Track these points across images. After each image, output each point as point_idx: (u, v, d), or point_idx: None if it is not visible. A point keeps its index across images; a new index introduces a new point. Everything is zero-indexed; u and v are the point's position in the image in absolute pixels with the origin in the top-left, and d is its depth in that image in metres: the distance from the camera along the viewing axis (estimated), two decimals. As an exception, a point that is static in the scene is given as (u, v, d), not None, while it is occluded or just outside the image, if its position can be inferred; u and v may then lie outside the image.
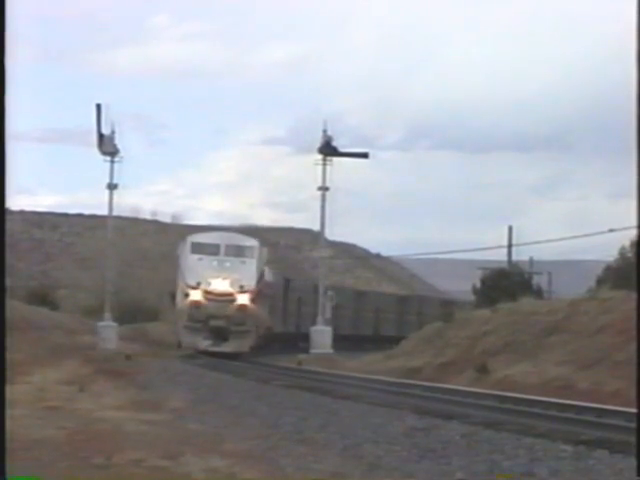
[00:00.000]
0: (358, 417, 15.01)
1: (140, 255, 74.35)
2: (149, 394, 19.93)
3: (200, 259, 41.32)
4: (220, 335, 40.38)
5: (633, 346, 16.53)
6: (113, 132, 40.27)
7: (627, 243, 39.18)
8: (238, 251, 42.07)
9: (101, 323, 39.09)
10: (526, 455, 10.86)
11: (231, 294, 40.35)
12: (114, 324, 39.13)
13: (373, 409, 16.02)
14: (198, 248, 42.08)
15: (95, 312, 48.24)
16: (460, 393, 19.44)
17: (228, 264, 41.14)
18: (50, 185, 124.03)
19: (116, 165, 40.34)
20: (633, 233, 34.45)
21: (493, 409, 15.40)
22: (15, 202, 68.11)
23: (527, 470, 10.06)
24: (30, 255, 77.26)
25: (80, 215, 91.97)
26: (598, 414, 14.74)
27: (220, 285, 40.35)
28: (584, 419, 13.73)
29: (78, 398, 18.32)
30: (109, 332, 38.19)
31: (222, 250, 41.72)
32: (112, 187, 40.63)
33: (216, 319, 40.08)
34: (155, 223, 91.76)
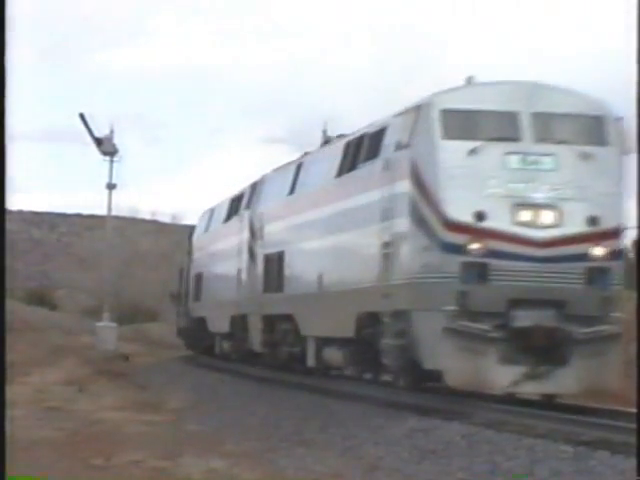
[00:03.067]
0: (358, 418, 14.99)
1: (139, 255, 74.28)
2: (149, 395, 19.92)
3: (473, 154, 15.89)
4: (545, 351, 15.37)
5: (633, 346, 16.47)
6: (112, 132, 40.16)
7: (627, 243, 39.14)
8: (571, 129, 16.64)
9: (100, 323, 39.02)
10: (527, 456, 10.85)
11: (574, 240, 15.84)
12: (113, 324, 39.03)
13: (373, 409, 16.00)
14: (463, 126, 16.38)
15: (94, 312, 48.17)
16: (460, 393, 19.39)
17: (550, 164, 16.07)
18: (49, 185, 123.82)
19: (115, 165, 40.18)
20: (633, 233, 34.40)
21: (493, 409, 15.36)
22: (14, 202, 68.16)
23: (528, 471, 10.05)
24: (29, 255, 77.20)
25: (79, 215, 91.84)
26: (598, 414, 14.72)
27: (539, 218, 15.78)
28: (584, 420, 13.70)
29: (77, 399, 18.31)
30: (108, 332, 38.09)
31: (527, 129, 16.17)
32: (111, 187, 40.50)
33: (534, 308, 15.40)
34: (154, 223, 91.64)
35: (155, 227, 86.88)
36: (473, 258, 15.57)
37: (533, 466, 10.27)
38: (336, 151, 21.15)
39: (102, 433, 13.16)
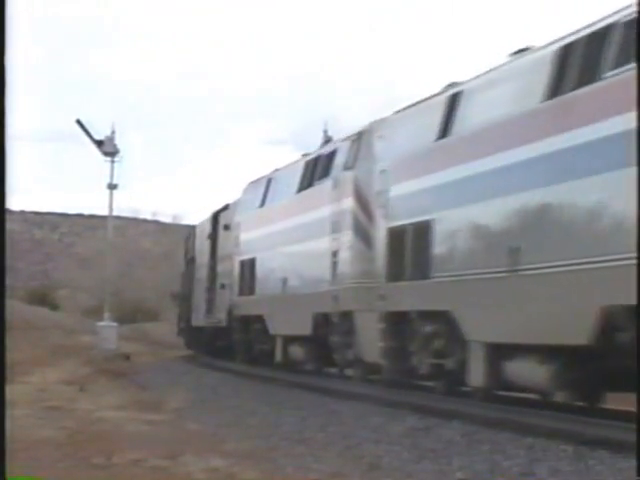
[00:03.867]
0: (358, 417, 15.02)
1: (140, 255, 74.36)
2: (149, 394, 19.94)
3: None
4: None
5: (633, 346, 16.46)
6: (113, 132, 40.23)
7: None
8: None
9: (101, 323, 39.10)
10: (526, 455, 10.87)
11: None
12: (114, 324, 39.12)
13: (374, 409, 16.03)
14: None
15: (95, 312, 48.30)
16: (460, 392, 19.44)
17: None
18: (50, 185, 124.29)
19: (116, 165, 40.27)
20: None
21: (494, 409, 15.38)
22: (16, 202, 68.24)
23: (527, 470, 10.07)
24: (30, 255, 77.30)
25: (80, 215, 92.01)
26: (598, 414, 14.74)
27: None
28: (584, 419, 13.71)
29: (78, 398, 18.34)
30: (109, 332, 38.18)
31: None
32: (112, 187, 40.57)
33: None
34: (155, 223, 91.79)
35: (156, 227, 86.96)
36: None
37: (532, 465, 10.29)
38: (537, 64, 13.80)
39: (103, 432, 13.18)
